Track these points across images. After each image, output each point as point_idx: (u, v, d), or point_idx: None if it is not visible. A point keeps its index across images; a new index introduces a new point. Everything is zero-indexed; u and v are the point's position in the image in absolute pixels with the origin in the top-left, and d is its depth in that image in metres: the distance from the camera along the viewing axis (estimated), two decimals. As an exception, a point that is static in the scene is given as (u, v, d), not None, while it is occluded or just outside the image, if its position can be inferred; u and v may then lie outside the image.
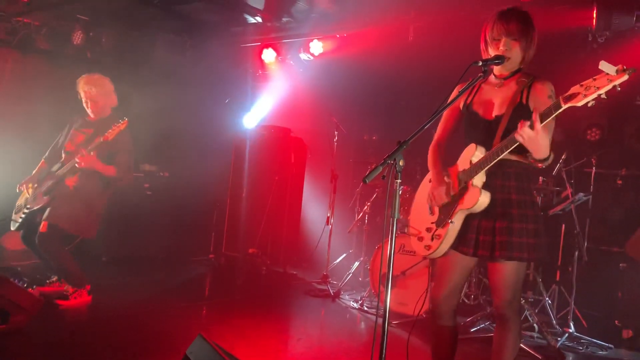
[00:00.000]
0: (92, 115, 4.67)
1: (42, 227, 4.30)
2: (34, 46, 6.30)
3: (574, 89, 2.10)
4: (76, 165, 4.35)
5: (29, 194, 4.58)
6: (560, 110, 2.14)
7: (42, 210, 4.42)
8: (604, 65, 2.01)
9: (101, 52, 6.60)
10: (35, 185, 4.59)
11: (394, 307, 4.71)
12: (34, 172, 4.70)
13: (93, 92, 4.57)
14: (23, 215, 4.53)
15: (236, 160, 7.11)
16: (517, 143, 2.30)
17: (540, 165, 2.37)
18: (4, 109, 6.21)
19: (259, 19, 6.76)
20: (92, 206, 4.55)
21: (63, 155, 4.59)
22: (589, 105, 2.07)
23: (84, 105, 4.64)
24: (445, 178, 2.64)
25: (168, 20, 6.81)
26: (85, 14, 6.49)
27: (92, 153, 4.33)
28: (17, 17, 6.16)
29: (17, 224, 4.57)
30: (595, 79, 2.06)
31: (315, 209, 7.04)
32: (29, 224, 4.51)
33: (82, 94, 4.61)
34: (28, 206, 4.52)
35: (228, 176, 7.13)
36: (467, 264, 2.66)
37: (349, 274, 5.85)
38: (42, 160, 4.77)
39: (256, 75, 7.76)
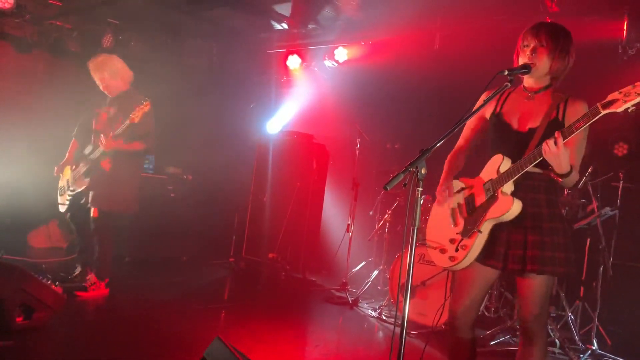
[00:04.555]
0: (110, 96, 4.79)
1: (94, 212, 4.55)
2: (65, 49, 6.45)
3: (612, 95, 2.13)
4: (102, 149, 4.53)
5: (67, 175, 4.78)
6: (598, 117, 2.15)
7: (85, 193, 4.62)
8: None
9: (130, 55, 6.71)
10: (74, 166, 4.79)
11: (413, 317, 4.67)
12: (67, 153, 4.90)
13: (105, 76, 4.68)
14: (69, 198, 4.73)
15: (259, 165, 7.15)
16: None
17: (560, 180, 2.36)
18: (36, 109, 6.37)
19: (285, 26, 6.81)
20: (131, 183, 4.71)
21: (93, 137, 4.75)
22: (629, 111, 2.10)
23: (102, 89, 4.76)
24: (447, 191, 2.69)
25: (196, 26, 6.90)
26: (116, 18, 6.63)
27: (117, 139, 4.48)
28: (49, 20, 6.32)
29: (66, 207, 4.79)
30: (635, 86, 2.09)
31: (335, 216, 7.02)
32: (75, 205, 4.73)
33: (95, 80, 4.73)
34: (72, 188, 4.72)
35: (250, 180, 7.17)
36: (490, 278, 2.62)
37: (368, 282, 5.82)
38: (73, 139, 4.96)
39: (281, 81, 7.81)
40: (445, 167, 2.77)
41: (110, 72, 4.67)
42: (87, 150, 4.73)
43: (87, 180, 4.62)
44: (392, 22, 5.88)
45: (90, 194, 4.59)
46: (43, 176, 4.98)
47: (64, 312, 3.71)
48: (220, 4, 6.36)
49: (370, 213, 6.35)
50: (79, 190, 4.65)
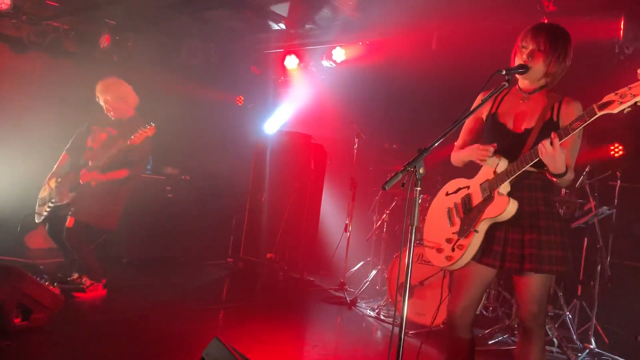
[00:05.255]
0: (114, 119, 4.81)
1: (69, 222, 4.50)
2: (62, 49, 6.44)
3: (608, 97, 2.14)
4: (80, 181, 4.56)
5: (51, 187, 4.74)
6: (593, 118, 2.17)
7: (67, 206, 4.60)
8: None
9: (127, 56, 6.71)
10: (59, 179, 4.75)
11: (411, 317, 4.67)
12: (55, 166, 4.86)
13: (109, 99, 4.70)
14: (48, 209, 4.68)
15: (257, 166, 7.15)
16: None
17: (555, 180, 2.38)
18: (34, 110, 6.35)
19: (283, 26, 6.80)
20: (114, 200, 4.71)
21: (86, 152, 4.75)
22: (625, 112, 2.12)
23: (105, 111, 4.78)
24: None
25: (194, 26, 6.89)
26: (113, 19, 6.62)
27: (92, 170, 4.55)
28: (46, 20, 6.30)
29: (42, 217, 4.73)
30: (630, 88, 2.10)
31: (333, 216, 7.03)
32: (54, 218, 4.68)
33: (101, 102, 4.75)
34: (53, 200, 4.68)
35: (248, 181, 7.17)
36: (487, 276, 2.63)
37: (366, 282, 5.83)
38: (64, 153, 4.91)
39: (278, 81, 7.81)
40: (457, 154, 2.75)
41: (115, 96, 4.69)
42: (78, 164, 4.72)
43: (72, 194, 4.61)
44: (390, 22, 5.88)
45: (72, 206, 4.58)
46: (40, 177, 4.96)
47: (62, 313, 3.71)
48: (218, 4, 6.36)
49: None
50: (62, 203, 4.63)
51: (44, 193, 4.82)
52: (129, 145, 4.47)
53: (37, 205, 4.83)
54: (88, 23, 6.57)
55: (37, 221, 4.82)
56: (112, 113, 4.75)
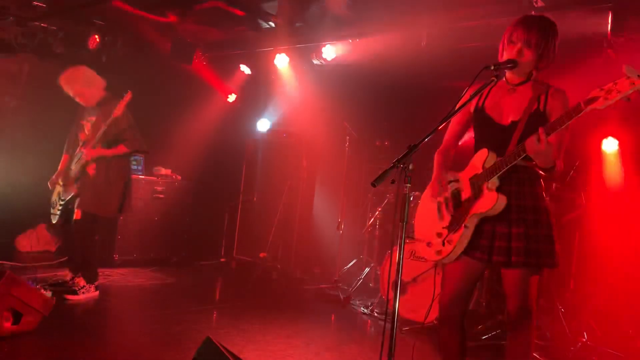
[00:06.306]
0: (86, 106, 4.80)
1: (76, 214, 4.56)
2: (50, 50, 6.39)
3: (594, 92, 2.14)
4: (84, 159, 4.58)
5: (59, 187, 4.81)
6: (580, 114, 2.16)
7: (74, 198, 4.64)
8: (628, 70, 2.03)
9: (116, 56, 6.67)
10: (65, 178, 4.80)
11: (404, 313, 4.67)
12: (59, 167, 4.89)
13: (78, 87, 4.67)
14: (60, 207, 4.74)
15: (248, 165, 7.14)
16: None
17: (545, 173, 2.40)
18: (21, 111, 6.31)
19: (273, 24, 6.79)
20: (113, 187, 4.71)
21: (80, 145, 4.77)
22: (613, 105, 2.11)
23: (78, 100, 4.75)
24: (447, 182, 2.62)
25: (182, 25, 6.85)
26: (101, 19, 6.58)
27: (96, 147, 4.55)
28: (34, 21, 6.26)
29: (57, 217, 4.79)
30: (616, 83, 2.08)
31: (326, 214, 7.02)
32: (65, 212, 4.74)
33: (70, 93, 4.72)
34: (63, 198, 4.73)
35: (240, 180, 7.16)
36: (477, 270, 2.64)
37: (360, 279, 5.83)
38: (64, 154, 4.94)
39: (269, 80, 7.79)
40: (436, 162, 2.77)
41: (83, 82, 4.67)
42: (75, 158, 4.76)
43: (76, 185, 4.65)
44: (379, 20, 5.88)
45: (78, 198, 4.61)
46: (29, 179, 4.95)
47: (54, 315, 3.69)
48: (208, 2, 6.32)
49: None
50: (69, 197, 4.67)
51: (53, 197, 4.89)
52: (114, 118, 4.48)
53: (50, 208, 4.89)
54: (76, 24, 6.53)
55: (53, 222, 4.86)
56: (84, 100, 4.73)
